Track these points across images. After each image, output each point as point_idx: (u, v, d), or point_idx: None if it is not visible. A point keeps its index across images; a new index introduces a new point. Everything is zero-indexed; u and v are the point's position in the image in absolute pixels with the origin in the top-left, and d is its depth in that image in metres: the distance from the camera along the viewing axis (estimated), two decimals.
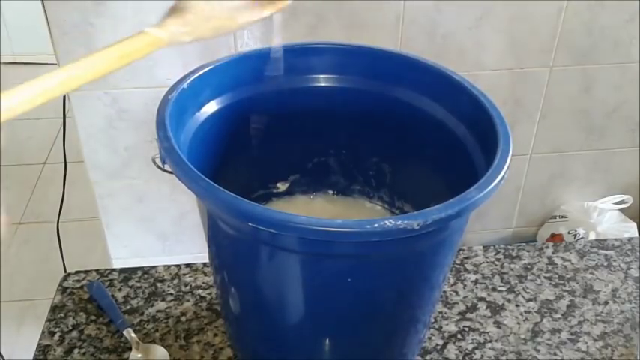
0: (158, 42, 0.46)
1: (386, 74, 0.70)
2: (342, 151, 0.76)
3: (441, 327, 0.78)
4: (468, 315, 0.80)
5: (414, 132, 0.70)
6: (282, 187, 0.78)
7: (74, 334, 0.76)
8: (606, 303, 0.82)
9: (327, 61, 0.71)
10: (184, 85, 0.61)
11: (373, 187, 0.78)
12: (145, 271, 0.84)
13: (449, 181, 0.67)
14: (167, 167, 0.55)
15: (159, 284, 0.82)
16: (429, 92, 0.68)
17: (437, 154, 0.69)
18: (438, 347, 0.76)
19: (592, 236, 1.59)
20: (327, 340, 0.64)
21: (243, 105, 0.68)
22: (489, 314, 0.80)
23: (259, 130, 0.70)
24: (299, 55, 0.70)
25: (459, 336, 0.77)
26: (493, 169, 0.54)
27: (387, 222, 0.48)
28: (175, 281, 0.83)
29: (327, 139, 0.74)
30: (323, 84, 0.71)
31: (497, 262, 0.87)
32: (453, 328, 0.78)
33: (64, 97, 1.37)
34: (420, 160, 0.72)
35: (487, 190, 0.52)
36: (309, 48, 0.71)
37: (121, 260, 1.59)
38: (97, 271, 0.84)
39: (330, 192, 0.80)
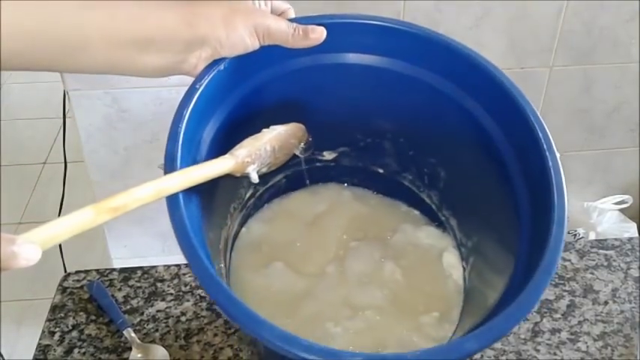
0: (228, 168, 0.56)
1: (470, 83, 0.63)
2: (400, 139, 0.71)
3: None
4: None
5: (478, 154, 0.64)
6: (328, 155, 0.73)
7: (74, 334, 0.76)
8: (606, 303, 0.82)
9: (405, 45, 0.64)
10: (208, 78, 0.56)
11: (425, 184, 0.73)
12: (145, 271, 0.84)
13: (498, 211, 0.63)
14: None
15: (159, 284, 0.82)
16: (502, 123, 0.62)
17: (494, 189, 0.63)
18: None
19: (592, 236, 1.59)
20: None
21: (295, 76, 0.64)
22: None
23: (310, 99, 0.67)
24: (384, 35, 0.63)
25: None
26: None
27: None
28: (175, 281, 0.83)
29: (384, 123, 0.69)
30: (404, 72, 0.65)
31: None
32: None
33: (64, 97, 1.37)
34: (474, 184, 0.67)
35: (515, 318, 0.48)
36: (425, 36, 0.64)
37: (121, 260, 1.58)
38: (97, 271, 0.84)
39: (370, 190, 0.76)
